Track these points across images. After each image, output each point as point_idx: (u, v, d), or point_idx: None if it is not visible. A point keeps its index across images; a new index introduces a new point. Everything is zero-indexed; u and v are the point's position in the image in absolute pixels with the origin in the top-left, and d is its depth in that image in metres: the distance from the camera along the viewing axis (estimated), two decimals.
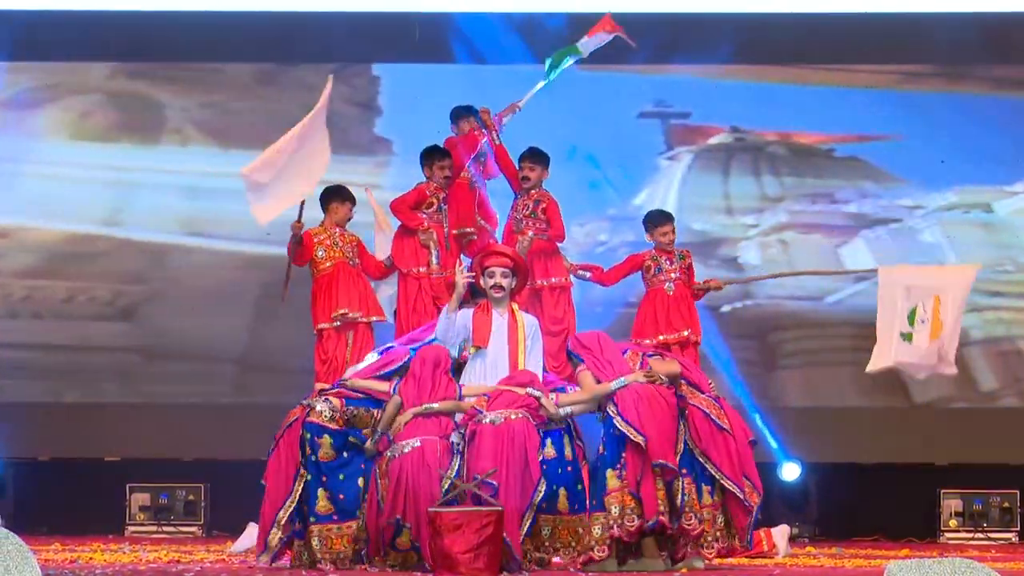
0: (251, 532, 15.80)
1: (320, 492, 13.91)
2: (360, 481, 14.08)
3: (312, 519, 13.84)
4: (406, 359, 14.87)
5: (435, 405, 14.17)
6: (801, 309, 19.94)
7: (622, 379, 14.35)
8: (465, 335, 14.85)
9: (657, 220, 16.57)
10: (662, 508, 13.96)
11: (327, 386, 14.93)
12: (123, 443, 19.27)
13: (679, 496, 14.02)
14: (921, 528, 18.32)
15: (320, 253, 16.25)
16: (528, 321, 15.00)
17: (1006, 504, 18.40)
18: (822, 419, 19.19)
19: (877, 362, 16.17)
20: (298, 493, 14.02)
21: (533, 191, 16.39)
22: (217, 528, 17.96)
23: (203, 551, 16.16)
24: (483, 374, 14.79)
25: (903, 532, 18.09)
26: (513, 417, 13.99)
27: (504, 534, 13.45)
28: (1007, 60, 20.04)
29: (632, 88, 20.20)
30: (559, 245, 16.82)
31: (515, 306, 15.00)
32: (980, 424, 19.08)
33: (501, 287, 14.79)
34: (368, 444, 14.16)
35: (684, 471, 14.18)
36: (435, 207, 16.44)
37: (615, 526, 13.91)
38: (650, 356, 15.06)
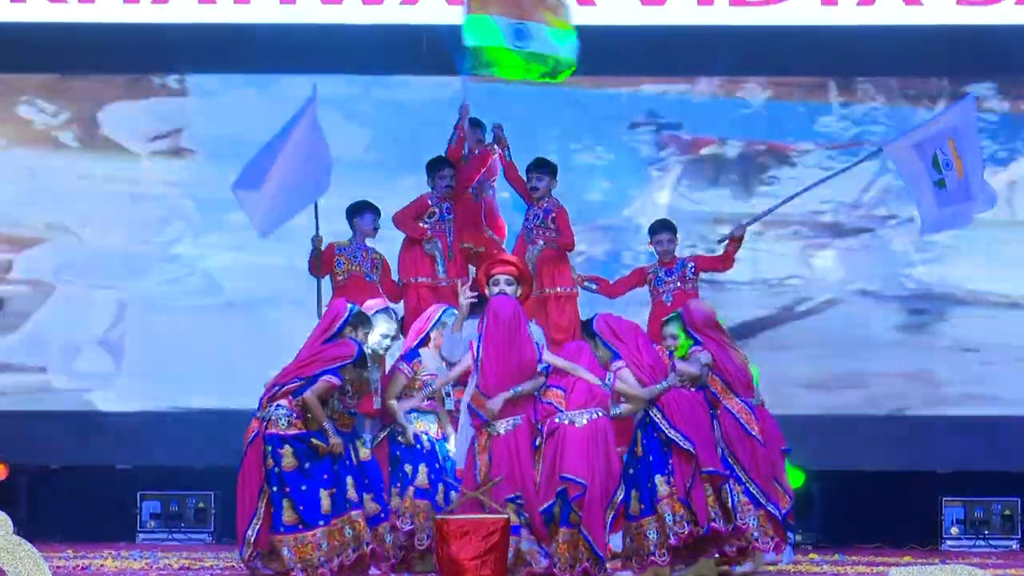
0: None
1: (285, 503, 13.87)
2: (322, 492, 14.01)
3: (281, 529, 13.78)
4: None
5: (524, 387, 14.00)
6: (800, 316, 19.98)
7: (664, 382, 14.38)
8: (465, 348, 14.81)
9: (653, 229, 16.80)
10: (712, 515, 14.05)
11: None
12: (134, 451, 19.25)
13: (729, 499, 14.12)
14: (923, 535, 18.12)
15: (339, 266, 16.36)
16: (533, 330, 14.85)
17: (1007, 512, 18.26)
18: (825, 427, 19.05)
19: (934, 227, 16.66)
20: (262, 511, 14.01)
21: (543, 200, 16.42)
22: (227, 535, 17.67)
23: (213, 558, 16.28)
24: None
25: (905, 539, 17.95)
26: (596, 417, 13.95)
27: (588, 532, 13.57)
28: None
29: (622, 100, 20.34)
30: (569, 255, 16.94)
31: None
32: (982, 433, 18.98)
33: (505, 288, 14.70)
34: (332, 439, 14.08)
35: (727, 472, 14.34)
36: (437, 216, 16.54)
37: (671, 534, 13.97)
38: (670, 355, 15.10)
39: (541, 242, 16.44)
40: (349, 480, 14.13)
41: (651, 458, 14.20)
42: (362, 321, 14.76)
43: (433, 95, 19.44)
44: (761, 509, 14.48)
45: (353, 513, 14.01)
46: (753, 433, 14.64)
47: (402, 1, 19.89)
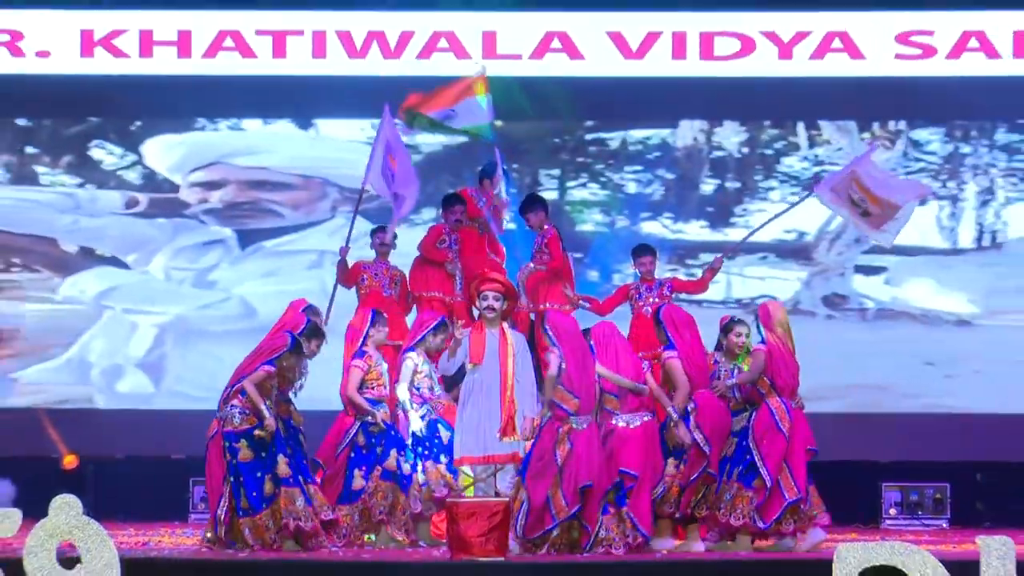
0: None
1: (241, 492, 14.11)
2: (266, 477, 14.18)
3: (240, 514, 14.05)
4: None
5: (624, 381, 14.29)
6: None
7: (728, 382, 14.78)
8: (463, 356, 15.01)
9: (636, 253, 16.84)
10: (695, 502, 14.43)
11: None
12: (186, 443, 18.57)
13: (722, 494, 14.41)
14: (866, 516, 18.18)
15: (363, 281, 16.55)
16: (516, 339, 15.13)
17: (938, 495, 18.38)
18: None
19: (883, 239, 16.56)
20: (227, 498, 14.21)
21: (539, 230, 16.65)
22: None
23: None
24: (481, 386, 14.92)
25: (850, 520, 17.61)
26: (646, 420, 14.23)
27: (634, 515, 13.84)
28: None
29: (614, 143, 20.44)
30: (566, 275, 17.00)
31: (505, 325, 15.12)
32: (917, 427, 19.11)
33: (493, 308, 14.94)
34: (267, 421, 14.18)
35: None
36: (447, 244, 16.71)
37: (660, 507, 14.34)
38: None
39: (531, 264, 16.59)
40: (281, 458, 14.30)
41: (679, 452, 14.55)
42: (314, 332, 14.98)
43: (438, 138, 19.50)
44: (761, 489, 14.38)
45: (287, 489, 14.24)
46: (782, 429, 14.53)
47: (417, 55, 19.54)
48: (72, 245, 20.52)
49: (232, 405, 14.40)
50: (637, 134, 20.38)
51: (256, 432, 14.23)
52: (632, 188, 20.36)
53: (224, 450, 14.30)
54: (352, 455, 15.25)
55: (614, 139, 20.45)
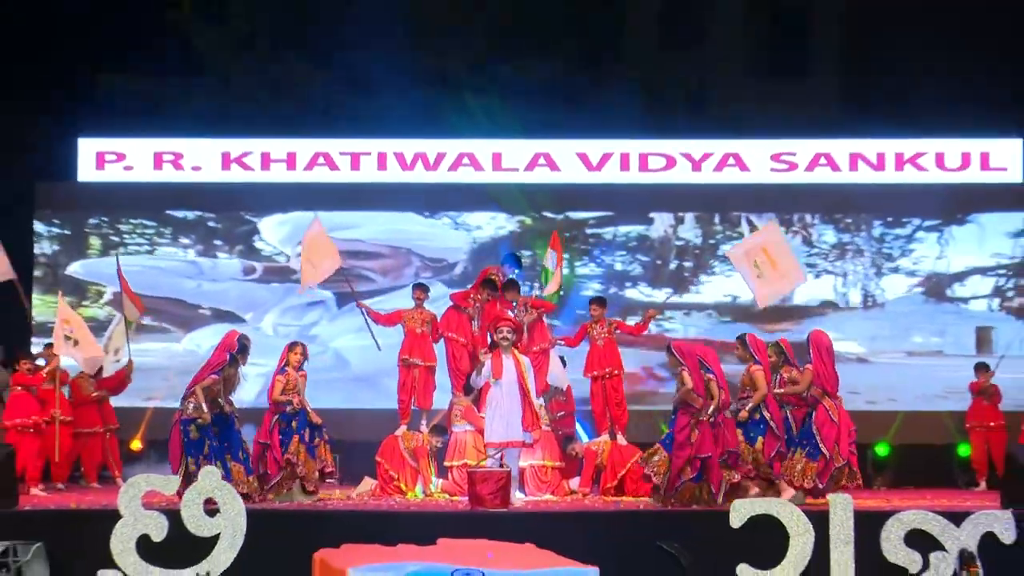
0: (366, 482, 15.93)
1: (190, 462, 13.80)
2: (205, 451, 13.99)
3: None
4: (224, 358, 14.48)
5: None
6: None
7: (780, 390, 14.53)
8: (487, 374, 14.69)
9: (591, 302, 16.35)
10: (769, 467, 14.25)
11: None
12: None
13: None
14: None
15: (404, 324, 16.09)
16: (525, 360, 14.87)
17: None
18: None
19: (762, 301, 15.92)
20: (182, 468, 13.84)
21: (515, 300, 16.02)
22: (347, 480, 16.89)
23: (339, 492, 15.97)
24: (501, 394, 14.61)
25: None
26: (726, 416, 14.05)
27: (712, 484, 13.74)
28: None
29: (607, 236, 20.18)
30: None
31: (516, 351, 14.84)
32: None
33: (507, 339, 14.69)
34: (202, 414, 13.98)
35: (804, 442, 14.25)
36: (476, 304, 16.11)
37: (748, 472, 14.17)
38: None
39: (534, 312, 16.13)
40: (211, 439, 14.06)
41: (757, 434, 14.24)
42: (243, 350, 14.67)
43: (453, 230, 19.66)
44: (822, 461, 14.05)
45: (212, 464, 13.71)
46: (834, 419, 14.19)
47: (449, 168, 19.61)
48: (197, 305, 20.01)
49: (188, 401, 14.16)
50: (624, 229, 20.00)
51: (198, 420, 14.04)
52: (619, 267, 20.04)
53: (180, 431, 14.05)
54: (281, 436, 14.82)
55: (607, 232, 20.07)
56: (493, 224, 20.04)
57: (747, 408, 14.27)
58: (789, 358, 14.61)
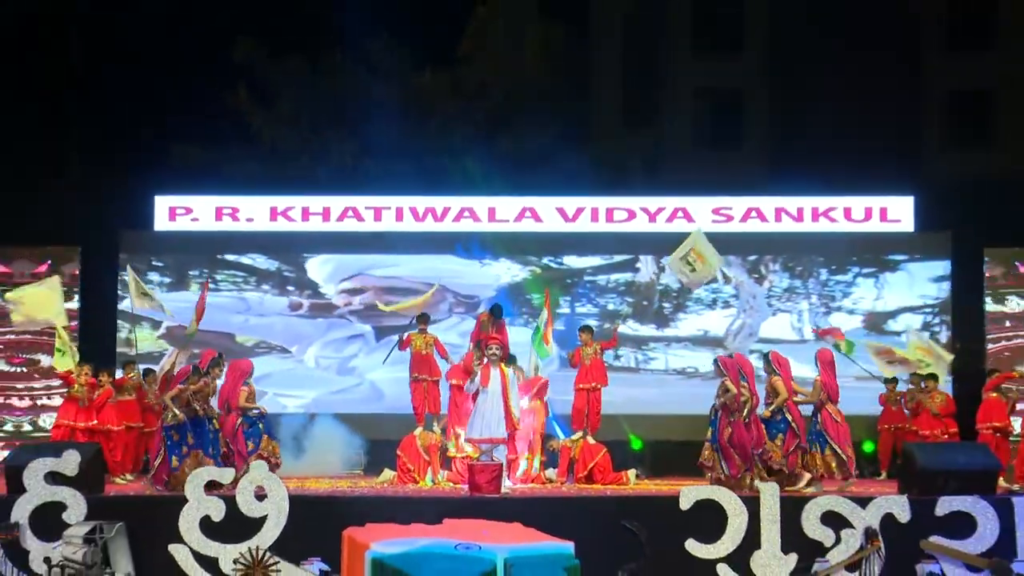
0: (386, 473, 15.73)
1: (172, 456, 13.47)
2: (183, 447, 13.58)
3: (173, 470, 13.40)
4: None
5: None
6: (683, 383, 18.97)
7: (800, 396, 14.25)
8: (478, 383, 14.48)
9: (580, 330, 16.12)
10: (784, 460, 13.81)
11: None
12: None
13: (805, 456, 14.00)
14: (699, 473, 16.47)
15: (412, 346, 15.75)
16: (510, 373, 14.63)
17: None
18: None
19: (694, 287, 16.04)
20: (161, 463, 13.49)
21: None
22: (371, 471, 16.69)
23: (364, 481, 15.87)
24: (487, 399, 14.37)
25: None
26: (755, 415, 13.84)
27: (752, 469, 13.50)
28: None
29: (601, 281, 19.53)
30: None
31: (503, 364, 14.57)
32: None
33: (496, 354, 14.45)
34: (178, 414, 13.62)
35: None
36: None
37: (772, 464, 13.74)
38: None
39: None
40: (189, 437, 13.66)
41: (777, 431, 13.91)
42: (217, 363, 14.37)
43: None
44: (835, 456, 13.87)
45: (190, 457, 13.60)
46: (838, 420, 14.06)
47: (453, 219, 19.23)
48: (246, 338, 19.33)
49: (167, 411, 13.83)
50: (616, 276, 19.53)
51: (171, 422, 13.73)
52: (611, 306, 19.59)
53: (163, 436, 13.67)
54: (247, 437, 14.77)
55: (602, 279, 19.65)
56: (508, 271, 19.57)
57: (770, 409, 14.01)
58: (775, 369, 14.24)
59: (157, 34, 23.10)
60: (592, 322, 17.68)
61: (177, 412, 13.70)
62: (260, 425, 15.10)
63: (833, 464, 13.94)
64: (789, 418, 14.03)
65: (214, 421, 14.14)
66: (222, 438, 14.32)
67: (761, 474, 13.79)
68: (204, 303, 15.66)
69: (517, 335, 16.44)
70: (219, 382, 14.53)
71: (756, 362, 15.30)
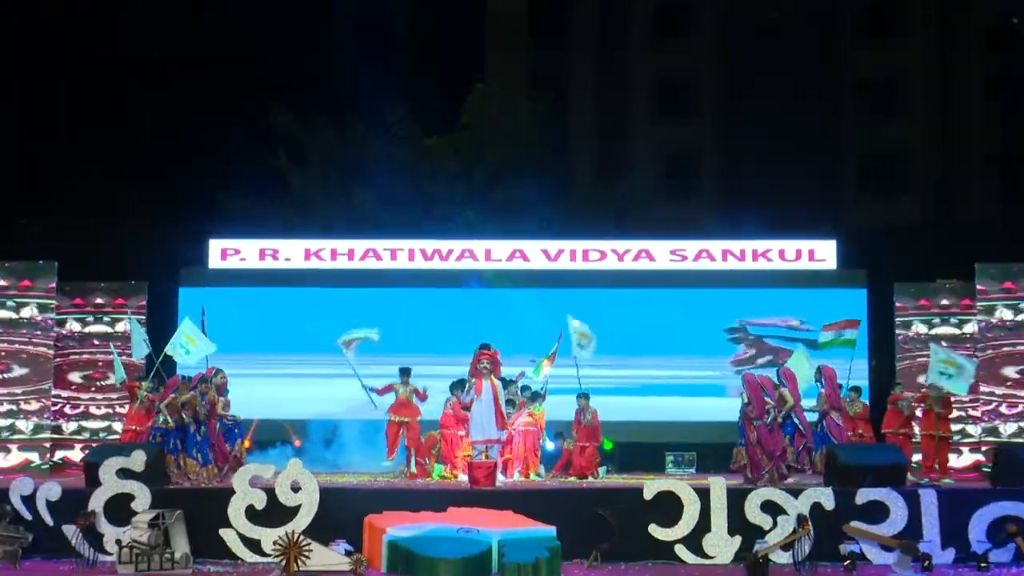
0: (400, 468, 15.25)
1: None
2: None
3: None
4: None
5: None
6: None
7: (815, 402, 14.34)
8: (472, 392, 14.42)
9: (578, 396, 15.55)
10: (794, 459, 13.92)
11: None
12: None
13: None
14: (657, 468, 16.46)
15: (396, 391, 15.28)
16: (499, 384, 14.52)
17: (690, 457, 16.50)
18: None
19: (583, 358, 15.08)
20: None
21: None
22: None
23: (383, 476, 15.13)
24: (482, 409, 14.26)
25: (661, 469, 16.42)
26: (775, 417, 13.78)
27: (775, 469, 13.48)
28: None
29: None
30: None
31: (494, 376, 14.42)
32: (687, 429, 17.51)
33: (487, 367, 14.32)
34: (170, 420, 13.62)
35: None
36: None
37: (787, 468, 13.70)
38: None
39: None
40: (181, 440, 13.74)
41: (786, 434, 13.91)
42: (205, 380, 14.26)
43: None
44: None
45: (181, 456, 13.68)
46: (840, 425, 14.24)
47: (456, 259, 18.54)
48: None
49: (157, 415, 13.92)
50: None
51: (166, 426, 13.71)
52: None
53: (150, 437, 13.85)
54: (225, 438, 14.64)
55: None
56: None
57: (780, 415, 13.90)
58: (784, 382, 14.13)
59: (212, 105, 23.39)
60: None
61: (168, 417, 13.73)
62: (236, 430, 14.93)
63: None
64: (796, 422, 13.96)
65: (202, 428, 13.97)
66: (212, 441, 14.18)
67: (781, 472, 13.72)
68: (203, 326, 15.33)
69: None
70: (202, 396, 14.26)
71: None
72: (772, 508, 12.34)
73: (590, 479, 14.83)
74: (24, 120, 22.71)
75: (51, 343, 16.58)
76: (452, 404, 15.08)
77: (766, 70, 26.88)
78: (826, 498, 12.38)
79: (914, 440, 15.55)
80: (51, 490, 12.53)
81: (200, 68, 23.92)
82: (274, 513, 12.26)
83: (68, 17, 23.34)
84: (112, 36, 23.56)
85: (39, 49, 23.40)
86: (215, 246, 18.74)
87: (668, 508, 12.36)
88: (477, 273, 18.35)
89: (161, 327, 16.31)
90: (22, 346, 16.27)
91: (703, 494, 12.37)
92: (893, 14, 28.96)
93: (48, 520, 12.37)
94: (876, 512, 12.35)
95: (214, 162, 23.02)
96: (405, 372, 15.50)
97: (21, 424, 16.17)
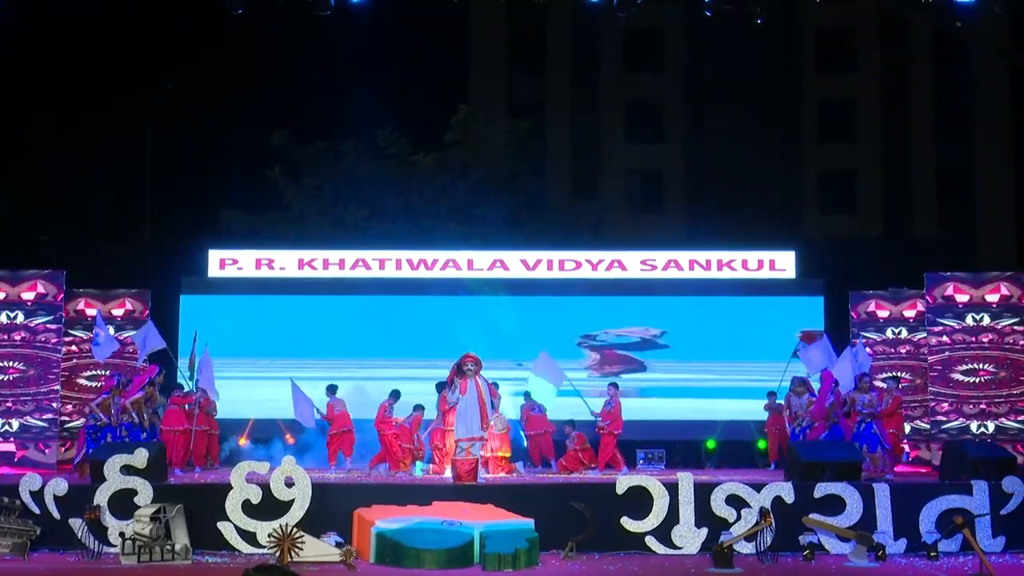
0: (381, 469, 15.00)
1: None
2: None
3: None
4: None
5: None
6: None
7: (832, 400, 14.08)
8: (457, 393, 14.43)
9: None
10: None
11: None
12: None
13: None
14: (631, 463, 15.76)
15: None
16: (484, 384, 14.51)
17: (660, 456, 15.85)
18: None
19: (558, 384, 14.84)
20: (83, 458, 13.49)
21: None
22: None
23: (371, 471, 14.89)
24: (467, 408, 14.25)
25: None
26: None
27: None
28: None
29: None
30: None
31: (479, 377, 14.45)
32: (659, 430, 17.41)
33: (472, 369, 14.37)
34: (100, 422, 13.67)
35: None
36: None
37: None
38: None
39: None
40: (109, 437, 13.61)
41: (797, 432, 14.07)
42: (152, 382, 14.43)
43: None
44: (880, 450, 13.65)
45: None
46: (876, 411, 13.90)
47: (440, 268, 18.23)
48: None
49: (89, 414, 13.96)
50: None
51: (98, 424, 13.70)
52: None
53: (86, 435, 13.79)
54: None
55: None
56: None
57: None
58: (808, 386, 14.31)
59: (213, 125, 23.33)
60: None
61: (101, 417, 13.69)
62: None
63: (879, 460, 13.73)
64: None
65: (144, 427, 14.00)
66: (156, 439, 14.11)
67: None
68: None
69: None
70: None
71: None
72: (736, 501, 12.35)
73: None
74: (42, 141, 22.64)
75: (60, 347, 16.41)
76: (439, 401, 14.99)
77: (730, 94, 26.98)
78: (786, 492, 12.39)
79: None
80: (58, 486, 12.48)
81: (203, 94, 23.99)
82: (269, 507, 12.21)
83: (79, 50, 23.23)
84: (126, 67, 23.63)
85: (56, 79, 23.21)
86: (214, 256, 18.59)
87: (639, 501, 12.37)
88: (463, 283, 18.25)
89: (164, 332, 16.16)
90: (32, 350, 16.18)
91: (672, 489, 12.37)
92: (847, 40, 29.17)
93: (55, 514, 12.34)
94: (833, 505, 12.38)
95: (214, 177, 22.94)
96: (331, 390, 15.45)
97: (31, 423, 16.04)
